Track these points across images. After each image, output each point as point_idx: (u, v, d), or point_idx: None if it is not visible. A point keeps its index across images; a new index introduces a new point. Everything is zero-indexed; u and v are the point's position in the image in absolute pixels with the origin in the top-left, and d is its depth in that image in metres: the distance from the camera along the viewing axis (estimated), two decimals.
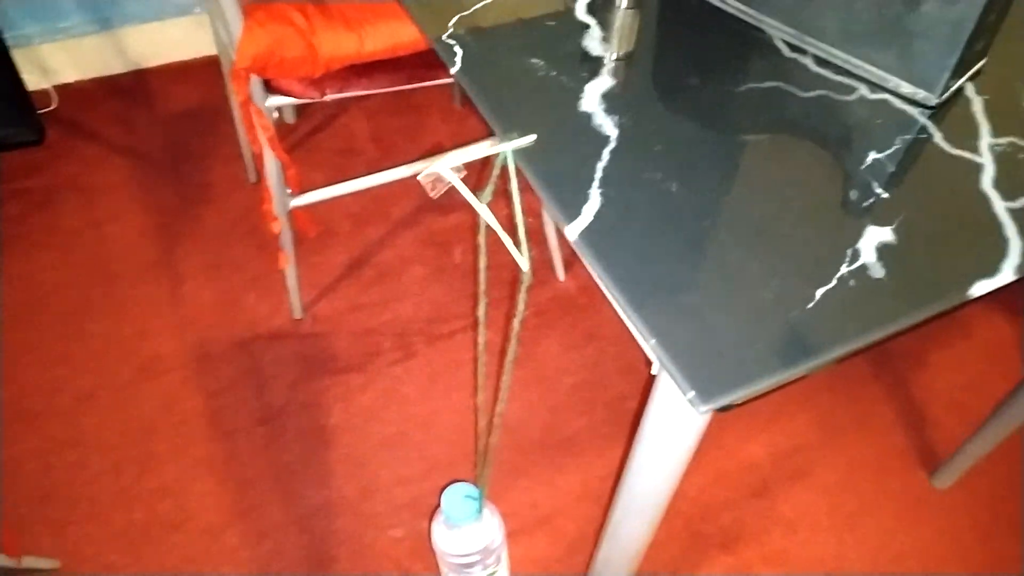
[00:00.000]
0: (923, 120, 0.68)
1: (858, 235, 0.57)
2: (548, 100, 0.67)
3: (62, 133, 1.70)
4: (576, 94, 0.68)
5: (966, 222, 0.58)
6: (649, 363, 0.58)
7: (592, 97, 0.67)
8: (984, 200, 0.60)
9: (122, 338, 1.37)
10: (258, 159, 1.11)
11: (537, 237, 1.55)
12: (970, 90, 0.71)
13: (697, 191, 0.59)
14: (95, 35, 1.75)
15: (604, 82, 0.69)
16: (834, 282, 0.53)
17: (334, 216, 1.58)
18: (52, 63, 1.75)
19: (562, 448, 1.27)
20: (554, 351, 1.40)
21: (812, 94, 0.70)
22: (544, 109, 0.66)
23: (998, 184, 0.61)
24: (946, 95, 0.69)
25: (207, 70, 1.87)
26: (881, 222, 0.58)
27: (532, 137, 0.61)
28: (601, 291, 1.54)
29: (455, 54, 0.71)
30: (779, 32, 0.76)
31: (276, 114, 1.08)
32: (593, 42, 0.74)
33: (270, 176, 1.13)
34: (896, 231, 0.57)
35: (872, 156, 0.64)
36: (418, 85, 1.09)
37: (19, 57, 1.63)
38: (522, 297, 0.55)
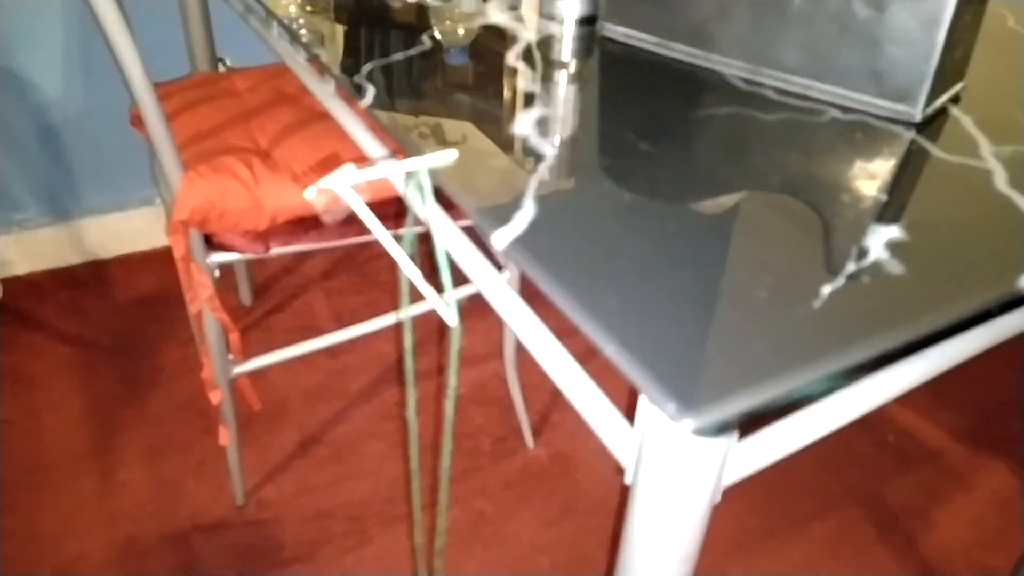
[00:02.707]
0: (910, 135, 0.62)
1: (861, 233, 0.49)
2: (473, 121, 0.62)
3: (7, 324, 1.63)
4: (507, 119, 0.62)
5: (989, 219, 0.52)
6: (621, 471, 0.47)
7: (526, 123, 0.62)
8: (1004, 199, 0.54)
9: (42, 537, 1.21)
10: (196, 321, 1.04)
11: (503, 404, 1.46)
12: (955, 111, 0.67)
13: (658, 203, 0.52)
14: (51, 227, 1.74)
15: (539, 111, 0.64)
16: (843, 280, 0.44)
17: (287, 392, 1.48)
18: (4, 255, 1.72)
19: None
20: (528, 527, 1.26)
21: (776, 117, 0.64)
22: (468, 128, 0.60)
23: (1015, 184, 0.56)
24: (930, 110, 0.64)
25: (166, 259, 1.84)
26: (886, 221, 0.50)
27: (453, 152, 0.54)
28: (576, 458, 1.43)
29: (366, 91, 0.66)
30: (732, 69, 0.71)
31: (216, 273, 1.03)
32: (525, 81, 0.70)
33: (209, 340, 1.05)
34: (907, 229, 0.50)
35: (859, 164, 0.57)
36: (369, 238, 1.05)
37: None
38: (453, 359, 0.46)
